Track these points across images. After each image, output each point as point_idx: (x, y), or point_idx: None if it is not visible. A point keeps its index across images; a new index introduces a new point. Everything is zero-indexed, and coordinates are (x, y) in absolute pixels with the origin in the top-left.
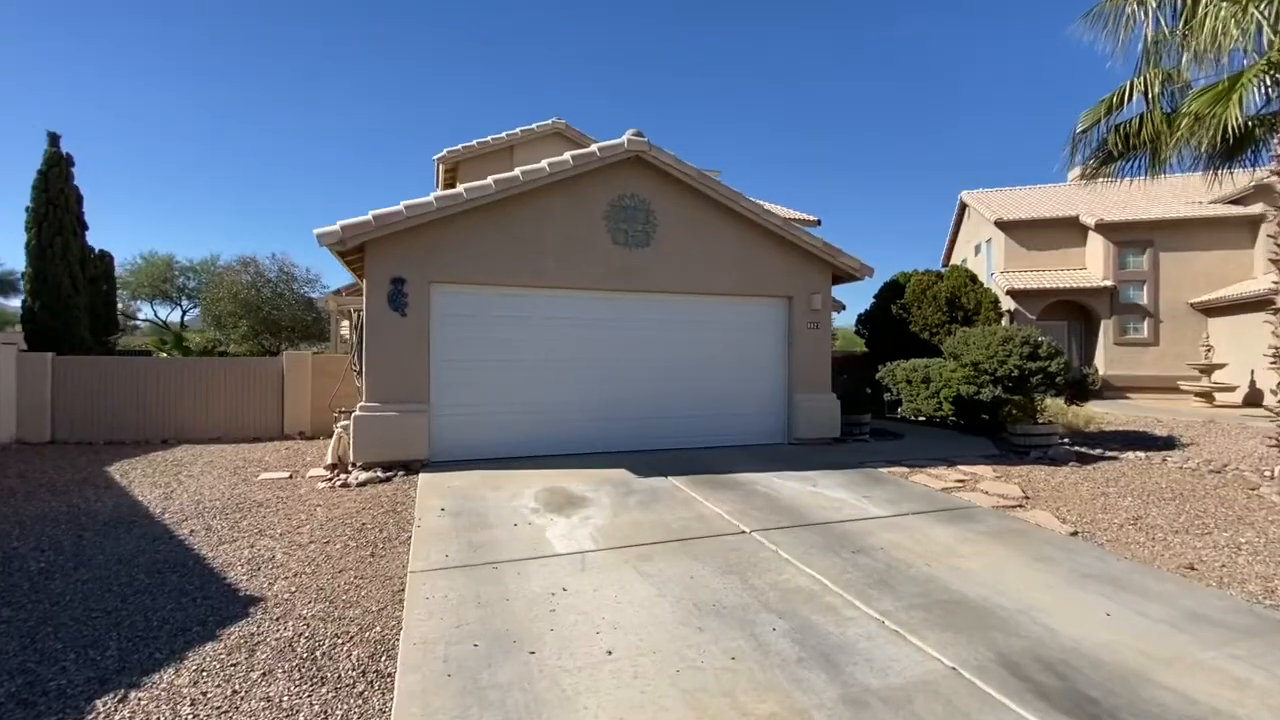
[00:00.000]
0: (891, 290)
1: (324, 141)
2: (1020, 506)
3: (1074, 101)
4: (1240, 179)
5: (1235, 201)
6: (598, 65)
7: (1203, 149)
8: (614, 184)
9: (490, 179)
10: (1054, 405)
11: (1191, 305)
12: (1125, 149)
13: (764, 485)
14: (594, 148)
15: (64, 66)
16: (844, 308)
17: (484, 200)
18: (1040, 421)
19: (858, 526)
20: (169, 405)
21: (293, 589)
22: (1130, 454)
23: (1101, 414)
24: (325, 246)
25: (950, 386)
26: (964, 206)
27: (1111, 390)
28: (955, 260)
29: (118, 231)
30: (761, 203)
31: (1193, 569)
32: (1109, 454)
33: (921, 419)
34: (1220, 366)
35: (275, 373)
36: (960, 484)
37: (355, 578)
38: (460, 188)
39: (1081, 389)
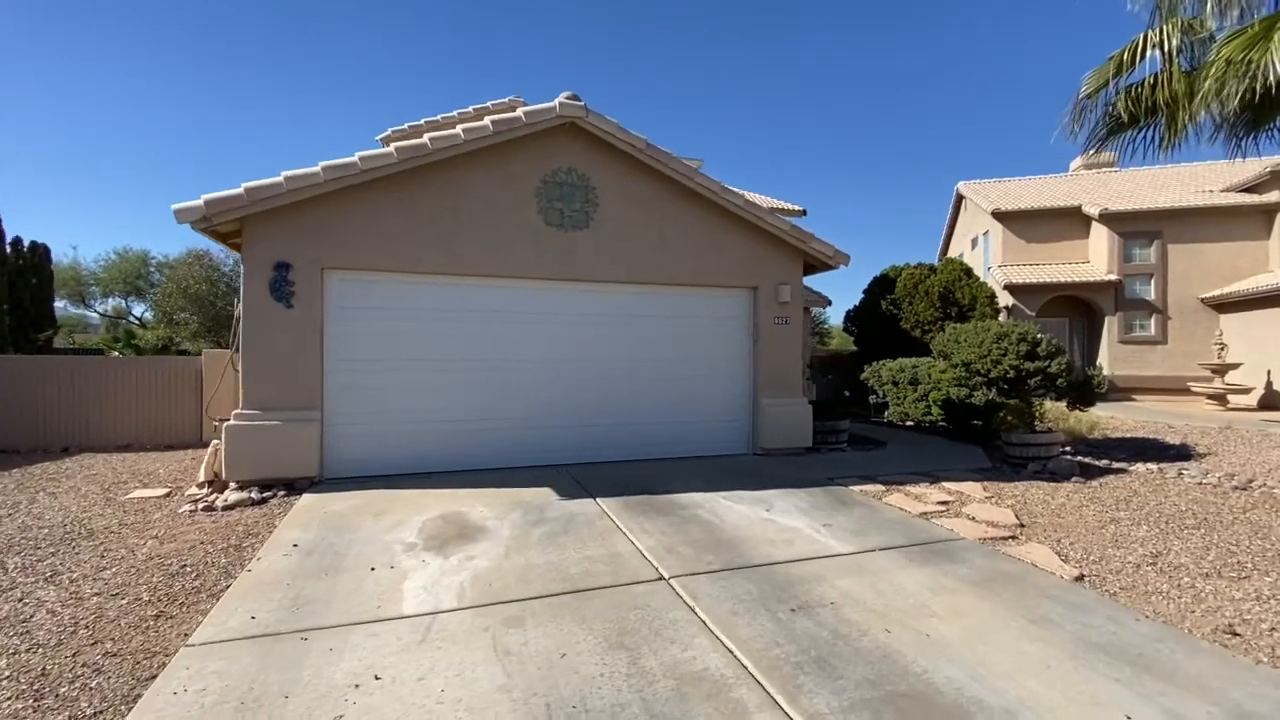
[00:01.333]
0: (881, 285)
1: (306, 130)
2: (1014, 538)
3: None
4: (1253, 166)
5: (1249, 189)
6: (595, 66)
7: (1229, 109)
8: (547, 156)
9: (392, 146)
10: (1054, 410)
11: (1202, 301)
12: (1137, 115)
13: (708, 509)
14: (519, 112)
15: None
16: (830, 303)
17: (385, 171)
18: (1039, 429)
19: (808, 569)
20: (76, 409)
21: (7, 674)
22: (1141, 466)
23: (1106, 418)
24: (188, 225)
25: (939, 389)
26: (960, 198)
27: (1116, 392)
28: (952, 255)
29: (108, 228)
30: (742, 192)
31: (1234, 634)
32: (1116, 465)
33: (910, 424)
34: (1234, 366)
35: (193, 373)
36: (943, 507)
37: (106, 654)
38: (355, 156)
39: (1085, 392)
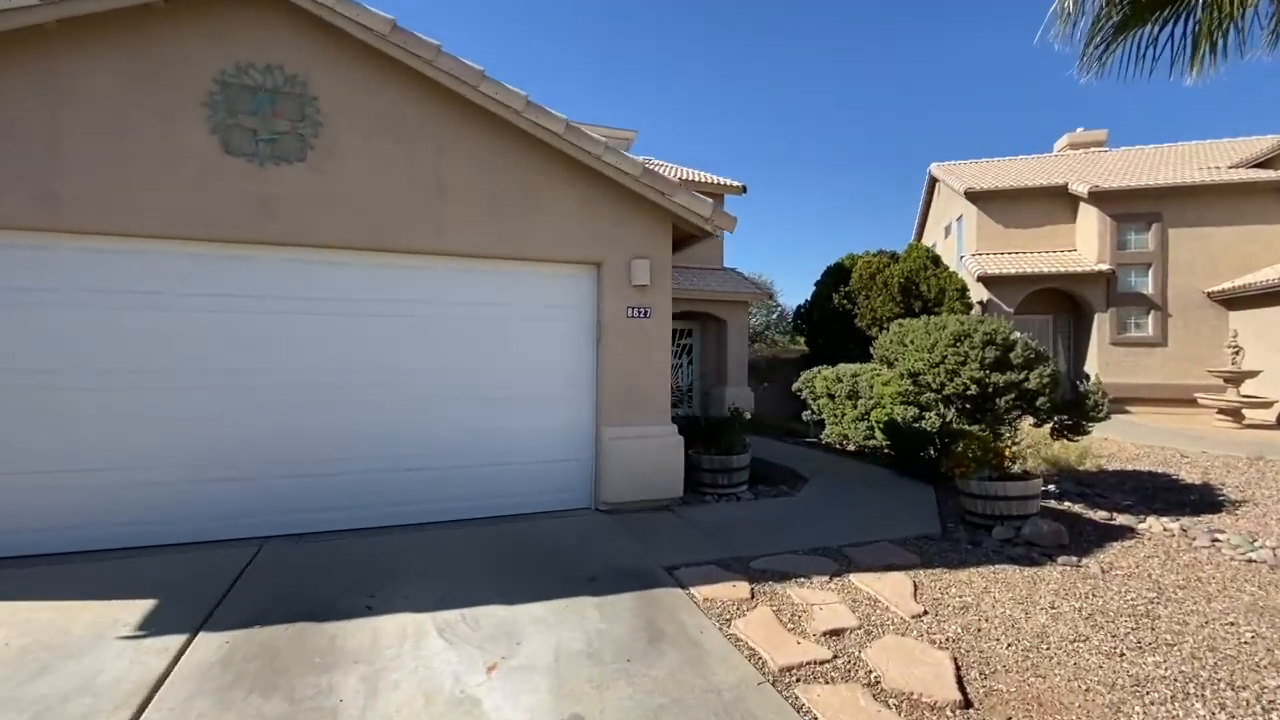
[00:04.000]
0: (836, 276)
1: None
2: None
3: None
4: (1266, 141)
5: (1263, 164)
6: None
7: None
8: (228, 42)
9: None
10: (1035, 435)
11: (1209, 295)
12: None
13: (378, 667)
14: None
15: None
16: (770, 296)
17: None
18: (1013, 469)
19: None
20: None
21: None
22: (1155, 524)
23: (1100, 441)
24: None
25: (882, 406)
26: (934, 182)
27: (1109, 403)
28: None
29: None
30: (649, 162)
31: None
32: (1120, 521)
33: (851, 448)
34: (1252, 374)
35: None
36: (832, 645)
37: None
38: None
39: (1077, 413)
